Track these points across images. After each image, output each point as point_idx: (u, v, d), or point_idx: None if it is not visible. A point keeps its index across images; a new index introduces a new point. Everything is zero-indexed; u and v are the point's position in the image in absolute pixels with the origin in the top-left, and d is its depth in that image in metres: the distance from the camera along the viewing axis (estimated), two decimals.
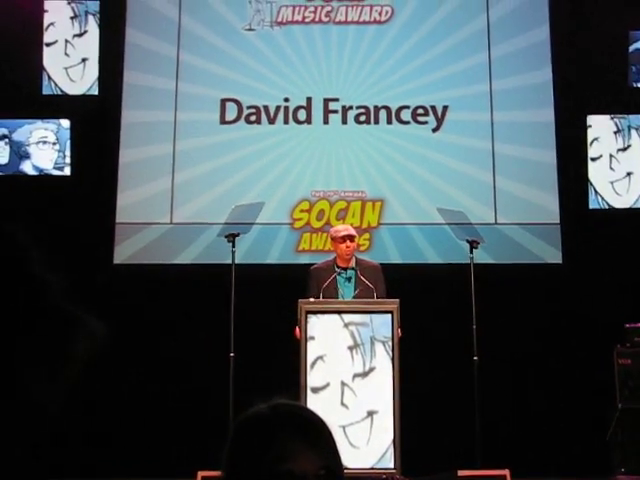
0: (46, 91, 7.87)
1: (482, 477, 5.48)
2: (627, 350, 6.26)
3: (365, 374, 5.55)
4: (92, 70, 7.93)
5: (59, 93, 7.88)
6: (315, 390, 5.52)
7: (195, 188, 7.71)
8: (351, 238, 6.16)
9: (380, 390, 5.51)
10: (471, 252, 6.35)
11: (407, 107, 7.86)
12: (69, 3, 8.01)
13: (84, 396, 7.16)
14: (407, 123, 7.85)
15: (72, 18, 7.99)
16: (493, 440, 6.41)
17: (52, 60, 7.92)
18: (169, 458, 6.79)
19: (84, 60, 7.94)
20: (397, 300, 5.74)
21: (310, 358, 5.57)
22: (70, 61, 7.94)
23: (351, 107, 7.88)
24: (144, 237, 7.61)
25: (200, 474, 5.33)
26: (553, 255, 7.58)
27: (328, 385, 5.52)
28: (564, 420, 7.17)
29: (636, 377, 6.18)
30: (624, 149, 7.82)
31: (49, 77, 7.88)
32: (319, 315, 5.67)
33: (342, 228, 6.37)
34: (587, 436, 6.76)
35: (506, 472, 5.55)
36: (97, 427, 7.15)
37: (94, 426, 7.15)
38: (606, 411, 6.25)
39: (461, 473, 5.38)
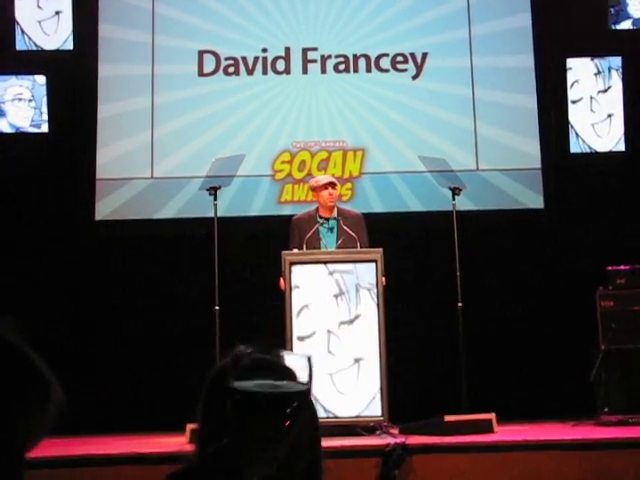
0: (20, 46, 7.73)
1: (468, 422, 5.53)
2: (609, 292, 6.28)
3: (351, 321, 5.57)
4: (66, 23, 7.78)
5: (33, 48, 7.75)
6: (301, 338, 5.53)
7: (175, 142, 7.65)
8: (333, 185, 6.15)
9: (366, 337, 5.54)
10: (453, 199, 6.34)
11: (386, 55, 7.79)
12: None
13: (70, 353, 7.18)
14: (386, 71, 7.79)
15: None
16: (479, 385, 6.46)
17: (25, 13, 7.76)
18: (158, 412, 6.81)
19: (58, 13, 7.80)
20: (380, 249, 5.74)
21: (295, 307, 5.58)
22: (43, 14, 7.80)
23: (330, 56, 7.80)
24: (125, 193, 7.55)
25: (189, 427, 5.35)
26: (535, 200, 7.59)
27: (314, 333, 5.54)
28: (548, 363, 7.25)
29: (618, 319, 6.21)
30: (605, 91, 7.81)
31: (22, 31, 7.75)
32: (303, 265, 5.67)
33: (322, 177, 6.38)
34: (571, 378, 6.83)
35: (492, 416, 5.61)
36: (83, 383, 7.15)
37: (80, 382, 7.15)
38: (589, 353, 6.30)
39: (448, 418, 5.42)
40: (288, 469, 1.30)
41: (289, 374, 1.39)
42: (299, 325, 5.55)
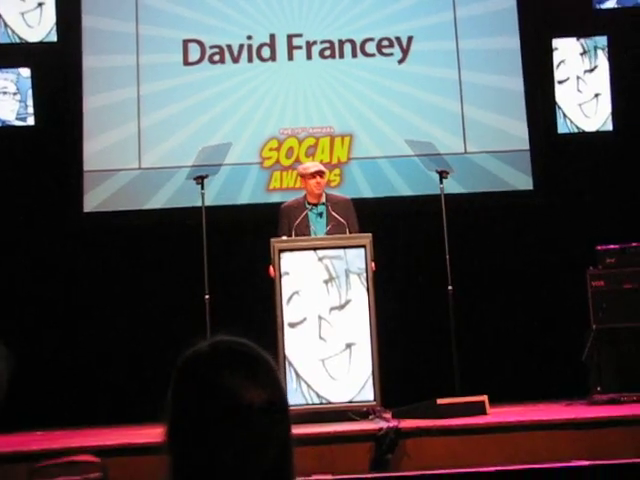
0: (3, 39, 7.69)
1: (461, 404, 5.53)
2: (599, 272, 6.29)
3: (342, 307, 5.57)
4: (49, 15, 7.73)
5: (16, 40, 7.71)
6: (292, 325, 5.53)
7: (162, 132, 7.62)
8: (321, 174, 6.13)
9: (357, 322, 5.54)
10: (441, 182, 6.33)
11: (371, 39, 7.77)
12: None
13: (61, 343, 7.17)
14: (372, 56, 7.77)
15: None
16: (471, 367, 6.47)
17: (7, 5, 7.71)
18: (148, 402, 6.79)
19: (40, 4, 7.74)
20: (369, 234, 5.74)
21: (286, 294, 5.57)
22: (26, 6, 7.75)
23: (315, 42, 7.78)
24: (113, 184, 7.53)
25: None
26: (524, 181, 7.60)
27: (305, 319, 5.53)
28: (540, 344, 7.26)
29: (609, 298, 6.23)
30: (591, 70, 7.81)
31: (5, 24, 7.70)
32: (292, 252, 5.66)
33: (311, 165, 6.35)
34: (563, 358, 6.85)
35: (484, 398, 5.60)
36: (74, 373, 7.15)
37: (71, 374, 7.15)
38: (581, 333, 6.31)
39: (440, 401, 5.42)
40: (257, 458, 1.27)
41: (264, 363, 1.36)
42: (290, 312, 5.55)
